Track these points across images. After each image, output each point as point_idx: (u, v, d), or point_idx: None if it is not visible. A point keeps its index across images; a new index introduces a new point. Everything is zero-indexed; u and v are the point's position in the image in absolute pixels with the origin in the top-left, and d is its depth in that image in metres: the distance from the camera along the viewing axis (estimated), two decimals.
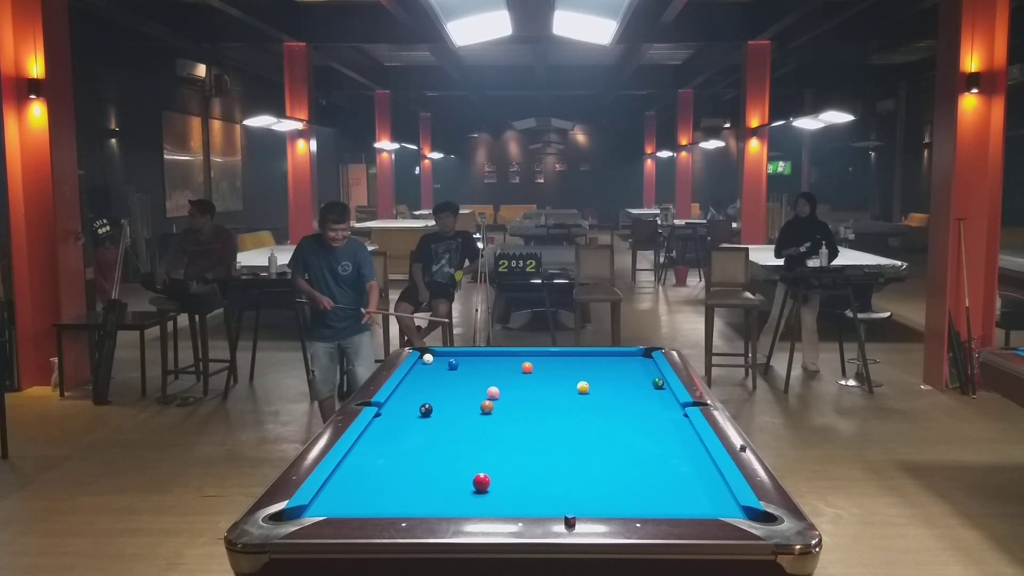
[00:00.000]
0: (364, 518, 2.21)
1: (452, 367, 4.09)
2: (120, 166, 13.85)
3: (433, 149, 23.69)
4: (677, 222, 15.51)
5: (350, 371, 5.47)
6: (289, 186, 12.06)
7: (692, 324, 9.76)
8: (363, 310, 5.27)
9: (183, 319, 7.13)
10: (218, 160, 17.41)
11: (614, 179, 25.99)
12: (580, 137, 26.98)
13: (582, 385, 3.61)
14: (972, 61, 6.55)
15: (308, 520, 2.18)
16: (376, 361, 5.39)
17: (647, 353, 4.30)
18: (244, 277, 7.48)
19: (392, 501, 2.42)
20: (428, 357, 4.20)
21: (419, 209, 21.63)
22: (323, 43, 12.38)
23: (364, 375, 5.16)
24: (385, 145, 18.23)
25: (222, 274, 6.94)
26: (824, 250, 7.22)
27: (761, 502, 2.25)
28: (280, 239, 13.26)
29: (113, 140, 13.76)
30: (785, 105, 15.80)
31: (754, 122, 12.05)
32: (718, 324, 8.78)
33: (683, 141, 19.21)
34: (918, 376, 7.18)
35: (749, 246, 9.17)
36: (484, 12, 6.73)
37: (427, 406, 3.25)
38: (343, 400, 5.02)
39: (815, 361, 7.43)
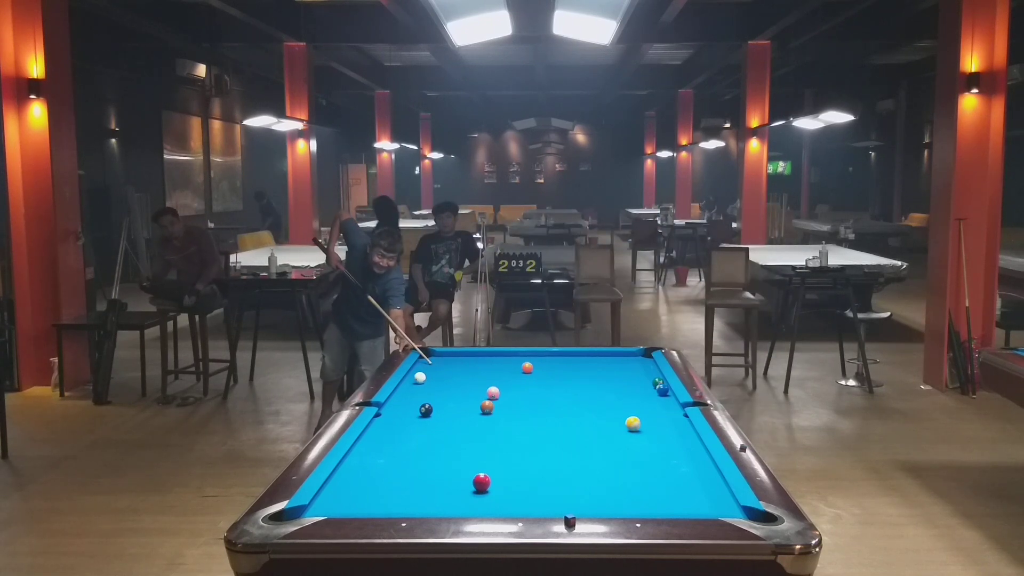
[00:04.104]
0: (364, 518, 2.20)
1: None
2: (120, 166, 13.85)
3: (433, 149, 23.68)
4: (677, 222, 15.51)
5: (357, 371, 5.51)
6: (289, 186, 12.06)
7: (692, 324, 9.76)
8: (396, 340, 5.09)
9: (183, 319, 7.13)
10: (218, 160, 17.42)
11: (614, 179, 25.98)
12: (580, 137, 26.97)
13: (632, 421, 3.06)
14: (972, 61, 6.55)
15: (308, 520, 2.18)
16: None
17: (647, 353, 4.30)
18: (244, 277, 7.48)
19: (392, 501, 2.42)
20: (420, 376, 3.86)
21: (419, 209, 21.63)
22: (323, 43, 12.38)
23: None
24: (385, 145, 18.23)
25: (213, 273, 6.93)
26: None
27: (761, 502, 2.25)
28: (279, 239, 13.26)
29: (113, 140, 13.76)
30: (785, 105, 15.79)
31: (754, 122, 12.05)
32: (718, 324, 8.78)
33: (683, 141, 19.21)
34: (918, 376, 7.18)
35: (749, 246, 9.17)
36: (484, 12, 6.74)
37: (427, 406, 3.25)
38: (343, 400, 5.05)
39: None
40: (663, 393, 3.57)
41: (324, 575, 2.14)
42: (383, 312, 5.12)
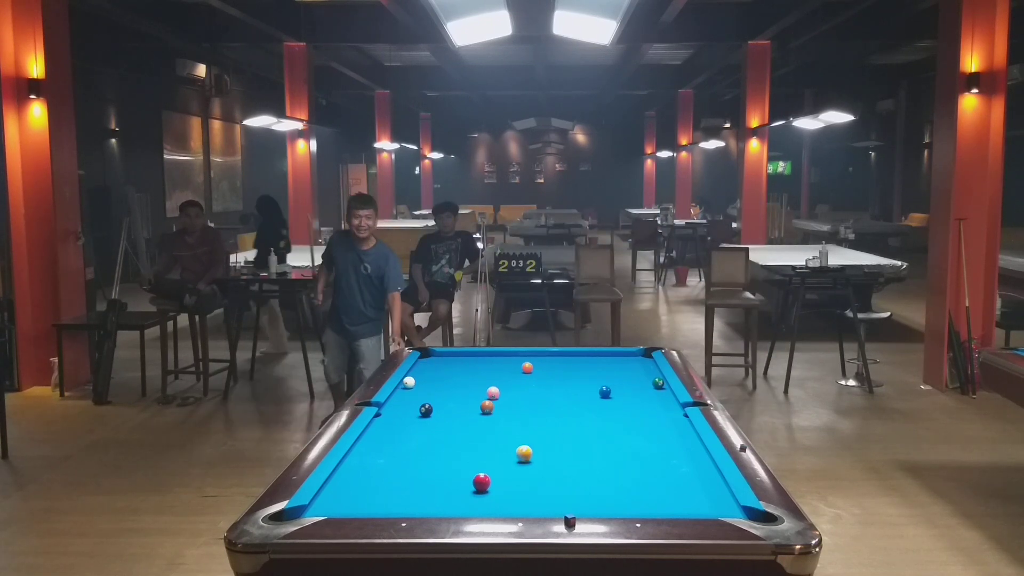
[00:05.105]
0: (364, 518, 2.20)
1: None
2: (120, 166, 13.85)
3: (433, 149, 23.68)
4: (677, 222, 15.51)
5: (357, 371, 5.52)
6: (289, 186, 12.06)
7: (692, 324, 9.76)
8: (393, 341, 5.41)
9: (183, 319, 7.13)
10: (218, 160, 17.42)
11: (614, 179, 25.98)
12: (580, 137, 26.97)
13: (524, 450, 2.77)
14: (972, 61, 6.55)
15: (308, 520, 2.18)
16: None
17: (647, 353, 4.30)
18: (244, 277, 7.48)
19: (392, 501, 2.42)
20: (409, 380, 3.78)
21: (419, 209, 21.63)
22: (323, 43, 12.38)
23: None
24: (385, 145, 18.23)
25: (218, 275, 6.94)
26: None
27: (761, 502, 2.25)
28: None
29: (113, 140, 13.76)
30: (785, 105, 15.80)
31: (754, 122, 12.05)
32: (718, 324, 8.78)
33: (683, 141, 19.21)
34: (918, 376, 7.18)
35: (749, 246, 9.16)
36: (484, 12, 6.74)
37: (427, 406, 3.25)
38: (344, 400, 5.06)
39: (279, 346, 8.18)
40: (605, 395, 3.53)
41: (324, 575, 2.14)
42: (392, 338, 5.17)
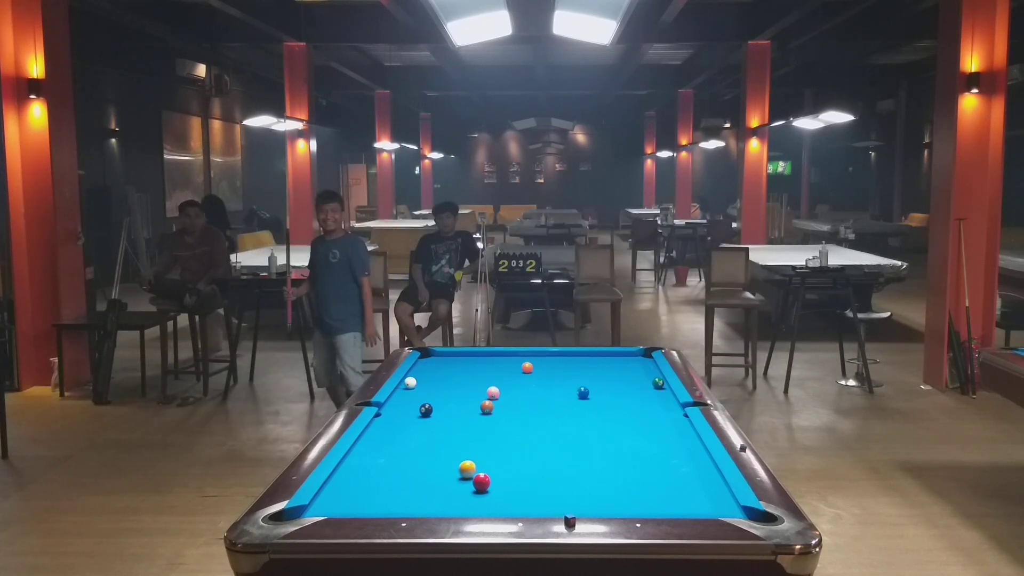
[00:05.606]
0: (364, 518, 2.20)
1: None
2: (120, 166, 13.85)
3: (433, 149, 23.68)
4: (677, 222, 15.51)
5: (339, 368, 5.54)
6: (289, 186, 12.06)
7: (692, 324, 9.76)
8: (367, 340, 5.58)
9: (183, 319, 7.13)
10: (218, 160, 17.41)
11: (614, 179, 25.99)
12: (580, 137, 26.97)
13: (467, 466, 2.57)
14: (972, 61, 6.55)
15: (308, 520, 2.18)
16: (376, 361, 5.42)
17: (647, 353, 4.30)
18: (244, 277, 7.47)
19: (392, 501, 2.42)
20: (411, 381, 3.76)
21: (419, 209, 21.63)
22: (323, 43, 12.39)
23: (348, 375, 5.33)
24: (385, 145, 18.23)
25: (219, 275, 6.94)
26: None
27: (761, 502, 2.25)
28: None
29: (113, 140, 13.76)
30: (785, 105, 15.80)
31: (754, 122, 12.04)
32: (718, 324, 8.78)
33: (683, 141, 19.21)
34: (918, 376, 7.18)
35: (749, 246, 9.16)
36: (484, 12, 6.75)
37: (427, 406, 3.25)
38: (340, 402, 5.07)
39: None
40: (583, 396, 3.51)
41: (324, 575, 2.14)
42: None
